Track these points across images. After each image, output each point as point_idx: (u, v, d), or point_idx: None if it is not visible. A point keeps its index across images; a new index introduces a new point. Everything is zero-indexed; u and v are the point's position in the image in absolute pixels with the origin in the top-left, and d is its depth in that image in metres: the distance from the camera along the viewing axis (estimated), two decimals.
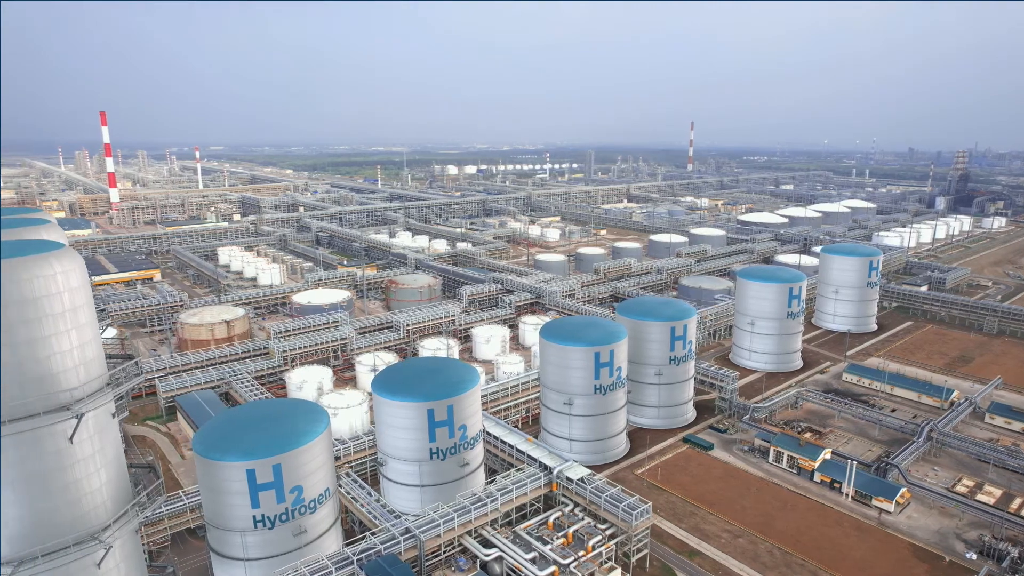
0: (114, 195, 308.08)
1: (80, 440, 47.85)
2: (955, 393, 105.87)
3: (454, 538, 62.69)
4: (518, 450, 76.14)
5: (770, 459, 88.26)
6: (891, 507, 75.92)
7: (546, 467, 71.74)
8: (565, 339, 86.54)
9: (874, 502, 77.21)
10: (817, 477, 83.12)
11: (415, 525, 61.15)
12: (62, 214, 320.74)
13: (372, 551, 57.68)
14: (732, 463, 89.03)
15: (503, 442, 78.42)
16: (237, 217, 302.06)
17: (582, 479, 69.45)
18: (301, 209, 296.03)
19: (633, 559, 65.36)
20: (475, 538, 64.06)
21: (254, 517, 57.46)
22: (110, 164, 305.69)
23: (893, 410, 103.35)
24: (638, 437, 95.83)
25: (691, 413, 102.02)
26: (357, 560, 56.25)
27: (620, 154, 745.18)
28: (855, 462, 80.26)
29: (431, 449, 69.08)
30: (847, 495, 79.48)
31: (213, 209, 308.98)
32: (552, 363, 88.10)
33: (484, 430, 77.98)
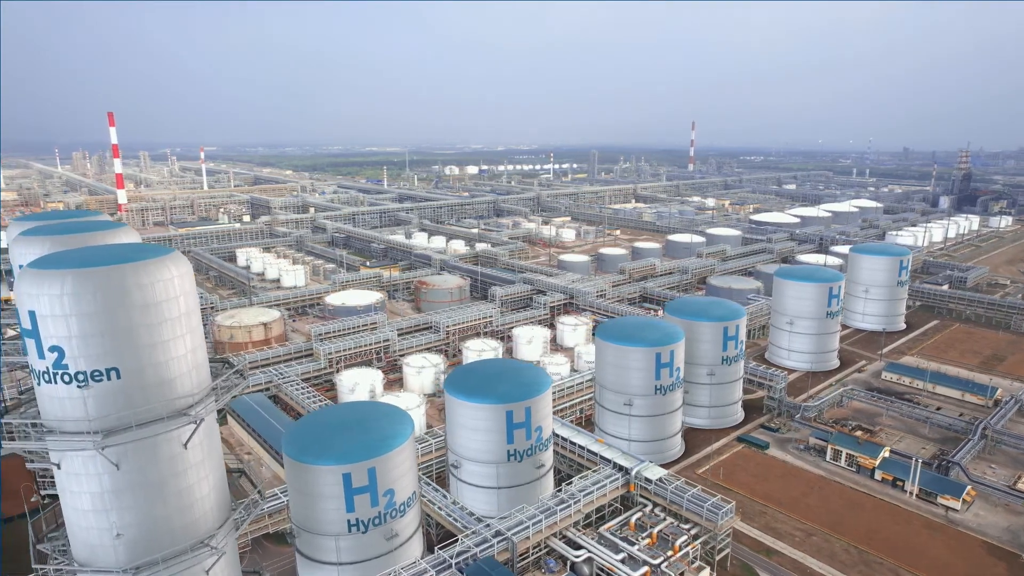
0: (121, 196, 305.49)
1: (192, 446, 47.60)
2: (999, 391, 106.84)
3: (541, 540, 62.67)
4: (589, 451, 76.22)
5: (828, 457, 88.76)
6: (958, 505, 76.54)
7: (621, 468, 71.81)
8: (624, 340, 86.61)
9: (940, 500, 77.83)
10: (878, 475, 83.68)
11: (506, 527, 61.08)
12: None
13: (468, 554, 57.56)
14: (790, 462, 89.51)
15: (571, 443, 78.48)
16: (247, 218, 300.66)
17: (660, 479, 69.64)
18: (312, 210, 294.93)
19: (716, 558, 65.65)
20: (559, 539, 64.07)
21: (348, 521, 57.22)
22: (118, 165, 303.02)
23: (938, 408, 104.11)
24: (689, 437, 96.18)
25: (740, 413, 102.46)
26: (456, 564, 56.11)
27: (620, 154, 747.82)
28: (920, 460, 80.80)
29: (509, 451, 69.08)
30: (911, 493, 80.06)
31: (224, 210, 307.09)
32: (610, 364, 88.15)
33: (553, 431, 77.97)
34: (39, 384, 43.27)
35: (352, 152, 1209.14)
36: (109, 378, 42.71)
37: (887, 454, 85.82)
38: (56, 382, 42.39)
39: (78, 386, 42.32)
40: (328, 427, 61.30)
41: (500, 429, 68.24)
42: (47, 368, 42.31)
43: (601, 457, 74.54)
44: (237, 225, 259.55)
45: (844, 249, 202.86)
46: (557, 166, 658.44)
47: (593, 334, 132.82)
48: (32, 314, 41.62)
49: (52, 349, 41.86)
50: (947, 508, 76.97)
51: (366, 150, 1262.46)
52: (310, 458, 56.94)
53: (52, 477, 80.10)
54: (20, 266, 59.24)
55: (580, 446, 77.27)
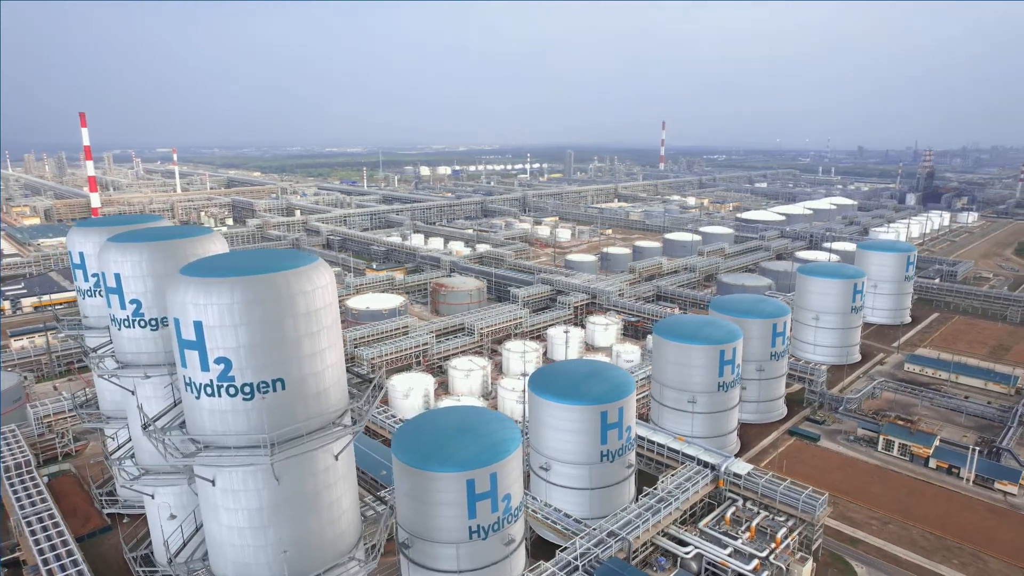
0: (95, 200, 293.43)
1: (341, 457, 46.51)
2: (1020, 379, 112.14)
3: (648, 538, 63.18)
4: (670, 449, 77.11)
5: (879, 447, 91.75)
6: (1015, 490, 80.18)
7: (707, 464, 72.89)
8: (687, 338, 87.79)
9: (997, 486, 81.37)
10: (933, 463, 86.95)
11: (618, 526, 61.38)
12: (37, 220, 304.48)
13: (590, 556, 57.62)
14: (844, 453, 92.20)
15: (650, 441, 79.24)
16: (230, 221, 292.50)
17: (749, 474, 70.96)
18: (298, 212, 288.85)
19: (812, 549, 67.26)
20: (663, 537, 64.68)
21: (470, 528, 56.55)
22: (91, 167, 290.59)
23: (966, 397, 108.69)
24: (740, 432, 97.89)
25: (784, 408, 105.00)
26: (583, 566, 56.10)
27: (591, 154, 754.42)
28: (976, 448, 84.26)
29: (602, 452, 69.37)
30: (968, 480, 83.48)
31: (206, 213, 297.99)
32: (671, 361, 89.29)
33: None
34: (198, 397, 41.54)
35: (313, 153, 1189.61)
36: (275, 389, 41.42)
37: (938, 442, 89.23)
38: (220, 395, 40.84)
39: (244, 398, 40.89)
40: (438, 434, 60.27)
41: (594, 430, 68.44)
42: (211, 380, 40.72)
43: (684, 455, 75.48)
44: (224, 229, 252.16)
45: (837, 245, 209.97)
46: (535, 165, 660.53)
47: (624, 333, 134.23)
48: (198, 325, 39.97)
49: (218, 361, 40.33)
50: (1005, 493, 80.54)
51: (327, 151, 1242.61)
52: (432, 465, 55.90)
53: (110, 496, 77.04)
54: (116, 274, 56.59)
55: (660, 444, 78.10)
